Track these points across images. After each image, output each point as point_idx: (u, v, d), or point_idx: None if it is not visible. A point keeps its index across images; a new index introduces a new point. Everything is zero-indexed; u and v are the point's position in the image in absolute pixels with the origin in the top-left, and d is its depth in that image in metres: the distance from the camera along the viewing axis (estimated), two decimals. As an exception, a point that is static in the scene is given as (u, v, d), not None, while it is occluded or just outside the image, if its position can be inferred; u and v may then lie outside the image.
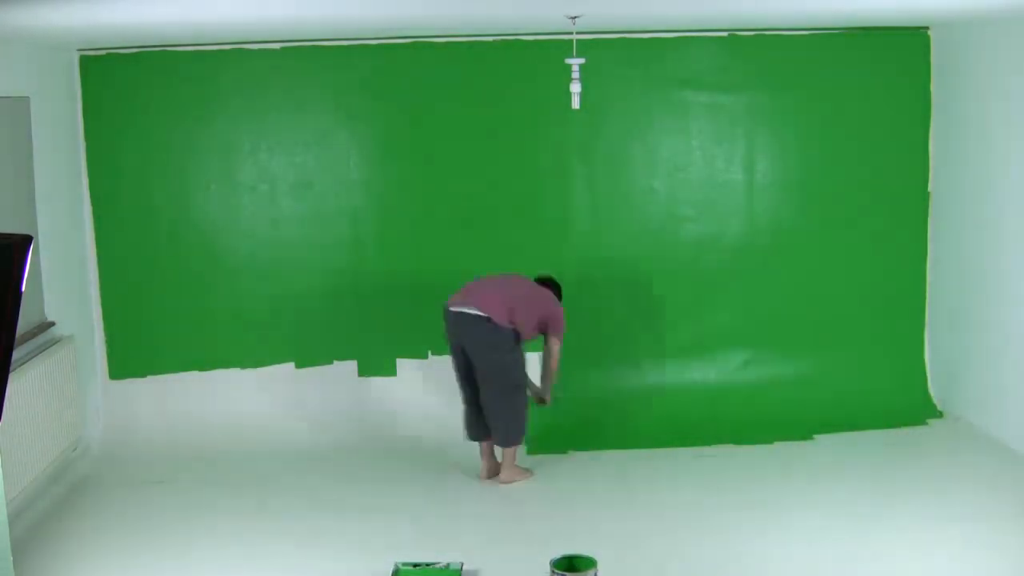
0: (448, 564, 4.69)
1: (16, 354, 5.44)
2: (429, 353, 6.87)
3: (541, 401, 6.01)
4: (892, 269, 7.00)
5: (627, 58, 6.76)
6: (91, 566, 4.92)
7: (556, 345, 5.87)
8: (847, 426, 6.49)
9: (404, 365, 6.92)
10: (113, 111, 6.60)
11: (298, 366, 6.84)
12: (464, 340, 5.67)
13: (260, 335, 6.81)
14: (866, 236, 6.96)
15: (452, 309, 5.68)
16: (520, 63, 6.71)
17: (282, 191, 6.77)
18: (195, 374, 6.75)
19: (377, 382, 6.87)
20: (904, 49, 6.83)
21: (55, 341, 5.96)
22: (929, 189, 6.92)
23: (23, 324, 5.60)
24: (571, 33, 5.69)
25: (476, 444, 5.93)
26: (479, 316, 5.60)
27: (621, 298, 6.94)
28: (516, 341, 5.69)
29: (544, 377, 5.98)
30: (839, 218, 6.94)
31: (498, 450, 5.87)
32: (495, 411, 5.70)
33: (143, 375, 6.74)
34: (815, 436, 6.41)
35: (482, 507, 5.53)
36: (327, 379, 6.83)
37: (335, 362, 6.86)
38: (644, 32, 6.74)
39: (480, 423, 5.81)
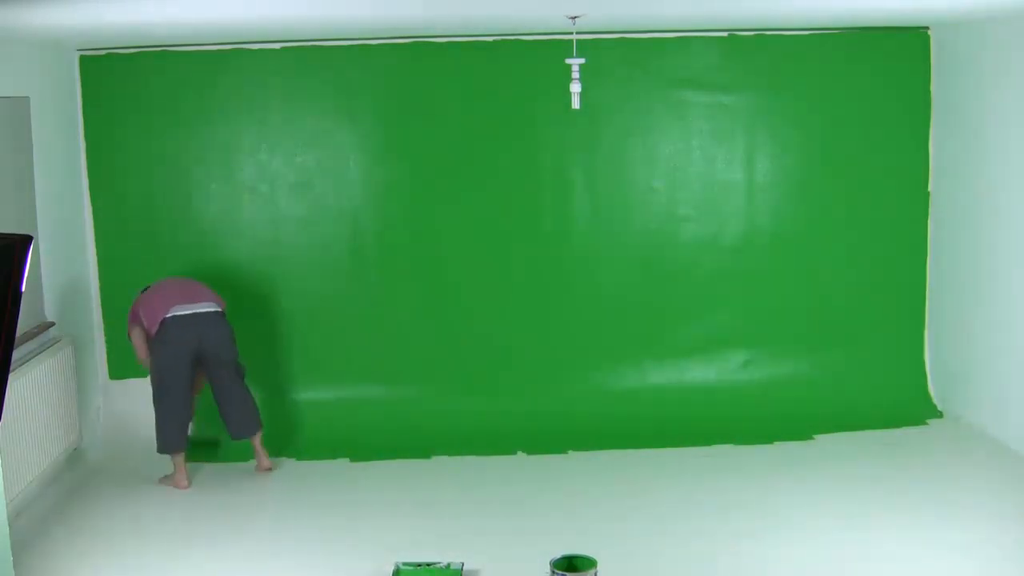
0: (448, 564, 4.69)
1: (16, 354, 5.45)
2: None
3: None
4: (892, 269, 7.00)
5: (627, 58, 6.76)
6: (91, 566, 4.92)
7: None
8: (847, 426, 6.50)
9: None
10: (113, 111, 6.60)
11: (297, 365, 6.84)
12: (206, 339, 5.79)
13: (259, 335, 6.80)
14: (866, 236, 6.96)
15: (183, 313, 5.77)
16: (520, 63, 6.71)
17: (282, 191, 6.78)
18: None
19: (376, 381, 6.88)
20: (904, 49, 6.83)
21: (55, 341, 5.96)
22: (929, 189, 6.92)
23: (23, 324, 5.61)
24: (571, 33, 5.70)
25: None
26: (216, 312, 5.86)
27: (621, 298, 6.94)
28: None
29: None
30: (839, 218, 6.94)
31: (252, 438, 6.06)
32: (244, 396, 5.97)
33: (143, 375, 6.73)
34: (815, 436, 6.41)
35: (482, 507, 5.53)
36: (326, 377, 6.84)
37: (334, 360, 6.86)
38: (644, 32, 6.74)
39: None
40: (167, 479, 5.89)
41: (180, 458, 5.83)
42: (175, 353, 5.74)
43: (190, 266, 6.71)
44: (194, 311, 5.77)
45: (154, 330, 5.75)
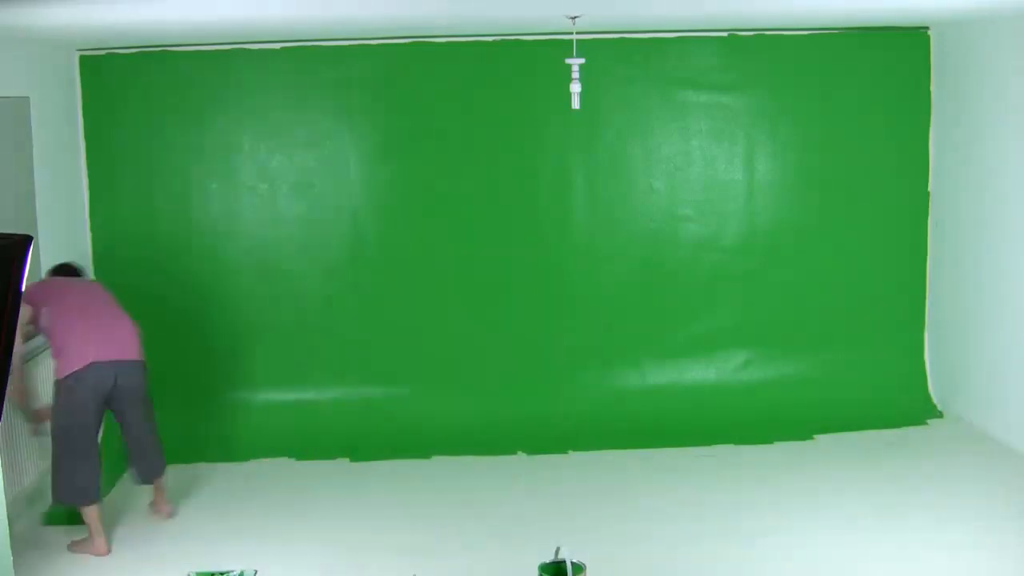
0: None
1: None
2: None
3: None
4: (892, 269, 7.00)
5: (627, 58, 6.76)
6: (91, 566, 4.92)
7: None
8: (847, 426, 6.49)
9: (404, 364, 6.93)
10: (113, 111, 6.60)
11: (298, 365, 6.84)
12: (124, 381, 5.10)
13: (259, 334, 6.80)
14: (866, 236, 6.96)
15: (109, 359, 5.06)
16: (520, 63, 6.71)
17: (282, 191, 6.78)
18: (195, 373, 6.75)
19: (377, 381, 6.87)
20: (904, 49, 6.83)
21: (55, 341, 5.95)
22: (929, 189, 6.92)
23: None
24: (571, 33, 5.69)
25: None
26: (139, 362, 5.19)
27: (621, 298, 6.94)
28: None
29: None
30: (839, 218, 6.94)
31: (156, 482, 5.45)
32: (156, 438, 5.35)
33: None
34: (815, 436, 6.41)
35: (482, 507, 5.53)
36: (326, 377, 6.84)
37: (334, 360, 6.86)
38: (644, 32, 6.74)
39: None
40: (82, 544, 5.06)
41: (96, 513, 5.02)
42: (92, 395, 5.02)
43: (189, 266, 6.72)
44: (116, 359, 5.08)
45: (66, 373, 4.99)
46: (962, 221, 6.60)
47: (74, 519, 5.20)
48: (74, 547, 5.06)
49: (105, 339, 5.10)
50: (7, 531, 3.81)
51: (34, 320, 5.15)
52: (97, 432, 5.12)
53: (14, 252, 2.48)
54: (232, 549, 5.07)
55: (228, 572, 4.74)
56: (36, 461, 5.50)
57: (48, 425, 5.23)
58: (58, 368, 5.03)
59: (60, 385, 5.03)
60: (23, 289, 2.52)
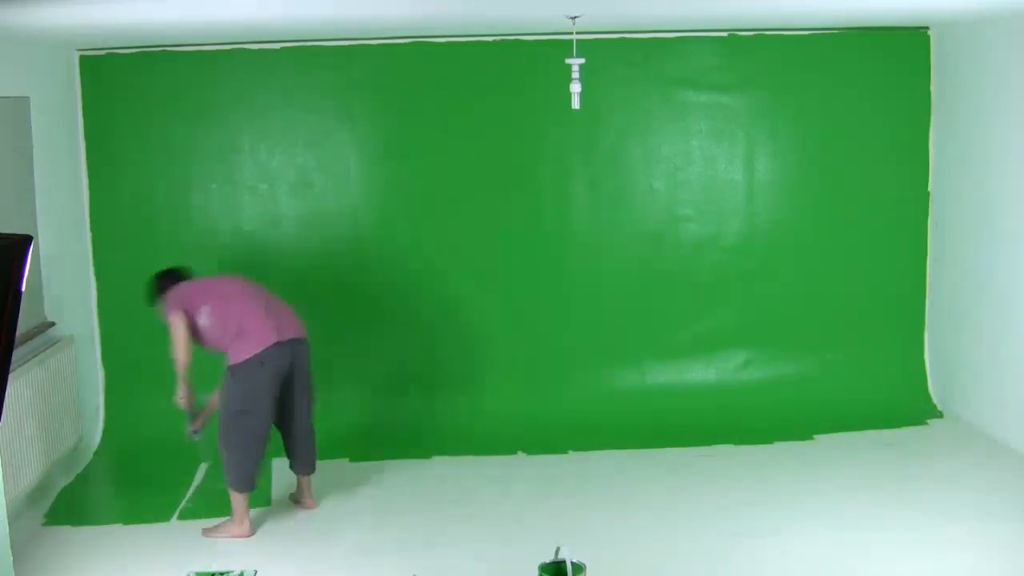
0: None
1: (16, 354, 5.44)
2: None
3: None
4: (892, 269, 7.00)
5: (627, 58, 6.77)
6: (91, 566, 4.92)
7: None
8: (847, 426, 6.50)
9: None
10: (113, 111, 6.60)
11: (298, 366, 6.84)
12: (298, 366, 5.28)
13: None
14: (866, 236, 6.96)
15: (287, 338, 5.19)
16: (520, 63, 6.71)
17: (282, 191, 6.78)
18: (194, 372, 6.74)
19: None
20: (904, 49, 6.83)
21: (55, 341, 5.96)
22: (929, 189, 6.92)
23: (23, 324, 5.60)
24: (571, 33, 5.69)
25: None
26: (307, 341, 5.35)
27: (621, 298, 6.95)
28: None
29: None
30: (839, 218, 6.95)
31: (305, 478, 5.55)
32: (312, 431, 5.48)
33: (143, 374, 6.74)
34: (815, 436, 6.41)
35: (482, 507, 5.53)
36: (325, 377, 6.84)
37: (334, 360, 6.86)
38: (644, 32, 6.74)
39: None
40: (221, 529, 5.19)
41: (247, 498, 5.21)
42: (274, 376, 5.13)
43: (189, 266, 6.70)
44: (293, 337, 5.22)
45: (247, 356, 5.08)
46: (962, 221, 6.60)
47: (74, 519, 5.20)
48: (210, 533, 5.17)
49: (279, 320, 5.23)
50: (7, 531, 3.81)
51: (192, 324, 5.19)
52: (272, 417, 5.23)
53: (14, 252, 2.47)
54: (232, 549, 5.08)
55: (228, 572, 4.74)
56: (36, 461, 5.50)
57: (202, 426, 5.41)
58: (234, 354, 5.10)
59: (238, 370, 5.10)
60: (23, 289, 2.52)
